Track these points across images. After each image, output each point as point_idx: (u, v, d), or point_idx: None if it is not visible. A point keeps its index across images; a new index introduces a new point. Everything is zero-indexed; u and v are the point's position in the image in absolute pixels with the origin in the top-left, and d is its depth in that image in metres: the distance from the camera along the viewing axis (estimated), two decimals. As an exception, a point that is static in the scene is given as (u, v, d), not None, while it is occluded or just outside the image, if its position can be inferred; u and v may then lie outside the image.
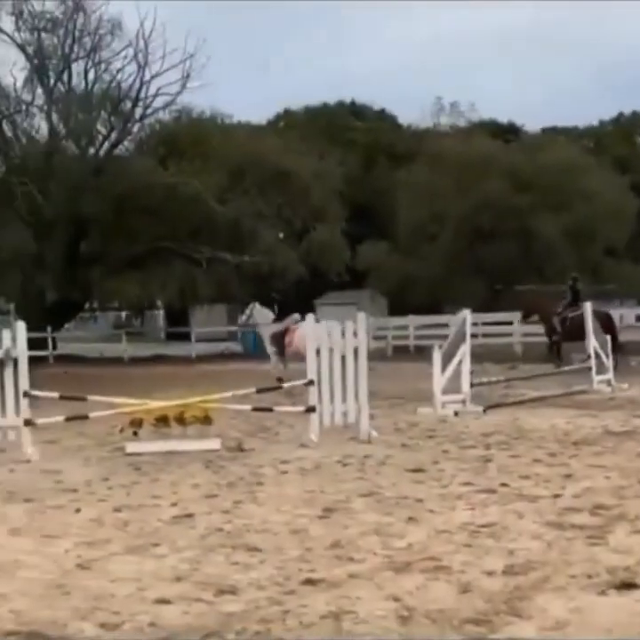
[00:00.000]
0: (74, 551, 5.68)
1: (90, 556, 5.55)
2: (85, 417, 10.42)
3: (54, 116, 32.16)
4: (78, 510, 6.88)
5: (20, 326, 9.83)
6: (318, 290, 40.42)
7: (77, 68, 32.47)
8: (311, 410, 10.34)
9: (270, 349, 15.41)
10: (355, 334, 10.56)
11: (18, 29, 31.54)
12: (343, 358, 10.51)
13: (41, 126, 33.43)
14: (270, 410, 11.59)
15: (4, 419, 9.61)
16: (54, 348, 31.81)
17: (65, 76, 32.39)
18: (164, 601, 4.65)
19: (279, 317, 15.95)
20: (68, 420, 10.50)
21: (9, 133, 32.35)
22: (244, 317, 17.67)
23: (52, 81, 32.17)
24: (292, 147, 34.63)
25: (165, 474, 8.51)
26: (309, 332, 12.43)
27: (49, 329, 30.46)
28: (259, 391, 11.87)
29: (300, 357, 12.78)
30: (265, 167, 32.20)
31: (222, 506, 6.97)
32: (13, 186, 29.54)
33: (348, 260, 35.55)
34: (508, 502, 6.80)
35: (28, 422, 9.59)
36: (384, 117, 56.16)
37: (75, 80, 32.65)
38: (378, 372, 13.73)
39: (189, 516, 6.62)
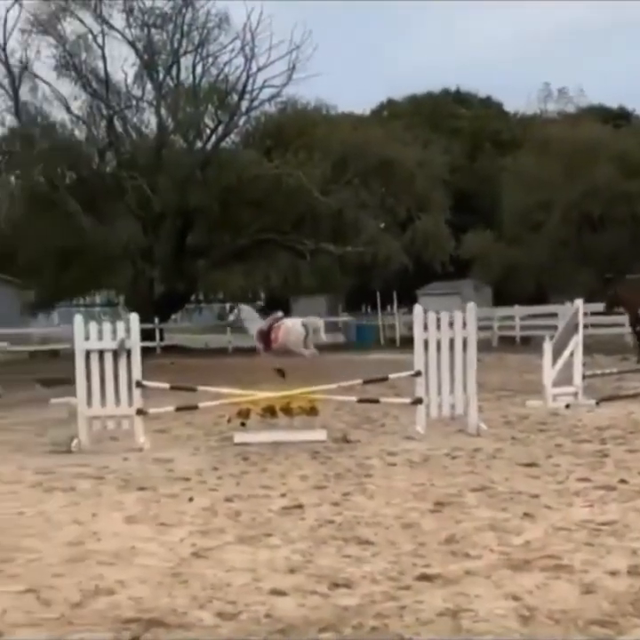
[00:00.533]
0: (189, 540, 5.75)
1: (204, 545, 5.60)
2: (195, 407, 10.58)
3: (163, 111, 32.84)
4: (191, 499, 6.96)
5: (134, 318, 10.04)
6: (421, 280, 40.03)
7: (186, 62, 33.11)
8: (418, 401, 10.21)
9: (258, 345, 15.32)
10: (464, 324, 10.36)
11: (129, 26, 32.34)
12: (451, 349, 10.32)
13: (150, 121, 34.26)
14: (376, 401, 11.51)
15: (117, 408, 9.84)
16: (162, 339, 32.51)
17: (173, 71, 33.05)
18: (279, 592, 4.65)
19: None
20: (179, 409, 10.70)
21: (119, 129, 33.21)
22: (231, 317, 17.22)
23: (161, 76, 32.86)
24: (395, 136, 34.36)
25: (273, 464, 8.55)
26: (294, 326, 13.77)
27: (156, 320, 31.16)
28: (365, 382, 11.79)
29: (287, 352, 13.61)
30: (368, 157, 32.08)
31: (331, 497, 6.94)
32: (124, 180, 30.35)
33: (451, 249, 35.11)
34: (628, 499, 6.53)
35: (140, 412, 9.80)
36: (489, 105, 55.20)
37: (183, 74, 33.32)
38: (483, 363, 13.46)
39: (299, 506, 6.62)
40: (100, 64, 32.06)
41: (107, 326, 10.00)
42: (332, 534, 5.80)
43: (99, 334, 9.92)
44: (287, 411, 10.04)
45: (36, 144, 31.13)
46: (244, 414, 10.10)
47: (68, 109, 32.62)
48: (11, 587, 4.84)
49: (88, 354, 9.83)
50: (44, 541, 5.80)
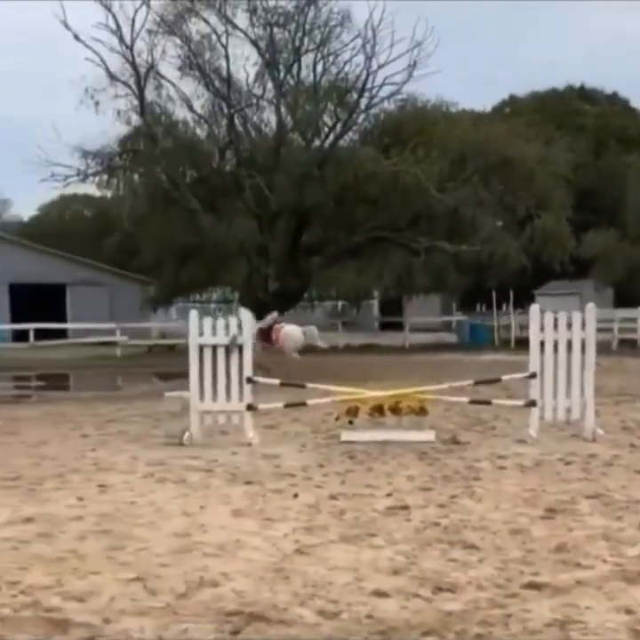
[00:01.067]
0: (292, 536, 5.76)
1: (308, 542, 5.60)
2: (303, 404, 10.63)
3: (282, 109, 33.15)
4: (296, 495, 6.99)
5: (246, 315, 10.17)
6: (538, 279, 39.10)
7: (306, 60, 33.26)
8: (532, 404, 9.94)
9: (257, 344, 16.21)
10: (582, 326, 10.00)
11: (252, 25, 32.73)
12: (568, 351, 9.99)
13: (270, 120, 34.59)
14: (488, 403, 11.26)
15: (228, 403, 9.99)
16: (274, 335, 32.85)
17: (294, 70, 33.28)
18: (381, 593, 4.59)
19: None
20: (287, 406, 10.77)
21: (240, 127, 33.71)
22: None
23: (281, 74, 33.15)
24: (517, 133, 33.63)
25: (380, 463, 8.49)
26: (294, 332, 13.52)
27: (269, 318, 31.48)
28: (476, 383, 11.58)
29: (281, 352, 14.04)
30: (488, 154, 31.49)
31: (438, 499, 6.83)
32: (242, 178, 30.81)
33: (572, 248, 34.08)
34: None
35: (250, 407, 9.91)
36: (615, 101, 53.56)
37: (303, 73, 33.48)
38: (602, 366, 12.99)
39: (405, 508, 6.54)
40: (223, 63, 32.60)
41: (220, 322, 10.16)
42: (437, 537, 5.70)
43: (212, 330, 10.09)
44: (396, 410, 9.96)
45: (159, 143, 32.01)
46: (352, 412, 10.07)
47: (191, 108, 33.33)
48: (120, 574, 4.97)
49: (202, 349, 10.01)
50: (153, 531, 5.93)
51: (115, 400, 14.91)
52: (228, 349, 9.99)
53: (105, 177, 34.23)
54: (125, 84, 31.68)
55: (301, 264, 32.16)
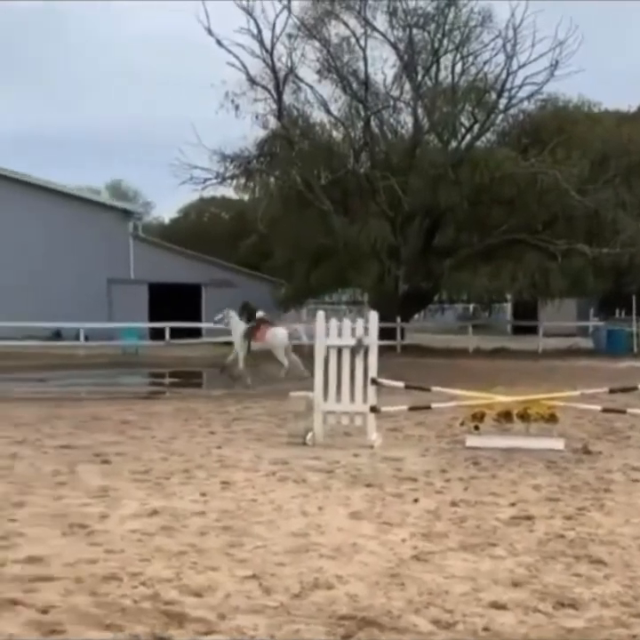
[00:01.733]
0: (410, 541, 5.68)
1: (426, 549, 5.50)
2: (428, 407, 10.48)
3: (419, 111, 33.02)
4: (416, 500, 6.89)
5: (373, 316, 10.13)
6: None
7: (445, 61, 33.06)
8: (670, 415, 9.45)
9: (240, 344, 18.55)
10: None
11: (391, 27, 32.79)
12: None
13: (406, 121, 34.58)
14: (623, 411, 10.79)
15: (352, 404, 9.97)
16: (402, 337, 32.76)
17: (432, 71, 33.12)
18: (499, 606, 4.46)
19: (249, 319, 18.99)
20: (412, 409, 10.66)
21: (376, 129, 33.83)
22: (218, 317, 20.23)
23: (419, 76, 33.05)
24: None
25: (505, 471, 8.27)
26: (280, 332, 17.75)
27: (398, 319, 31.44)
28: (611, 391, 11.12)
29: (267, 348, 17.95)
30: (632, 155, 30.36)
31: (565, 511, 6.58)
32: (376, 180, 30.88)
33: None
34: None
35: (373, 409, 9.86)
36: None
37: (442, 74, 33.30)
38: None
39: (529, 518, 6.33)
40: (361, 66, 32.82)
41: (346, 323, 10.16)
42: (561, 550, 5.49)
43: (338, 331, 10.10)
44: (524, 416, 9.69)
45: (295, 145, 32.50)
46: (478, 417, 9.86)
47: (328, 111, 33.71)
48: (237, 571, 5.02)
49: (328, 350, 10.04)
50: (271, 530, 5.97)
51: (242, 398, 15.18)
52: (353, 351, 9.98)
53: (242, 180, 35.09)
54: (264, 87, 32.38)
55: (433, 266, 31.88)
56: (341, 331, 10.07)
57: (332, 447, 9.61)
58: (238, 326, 19.00)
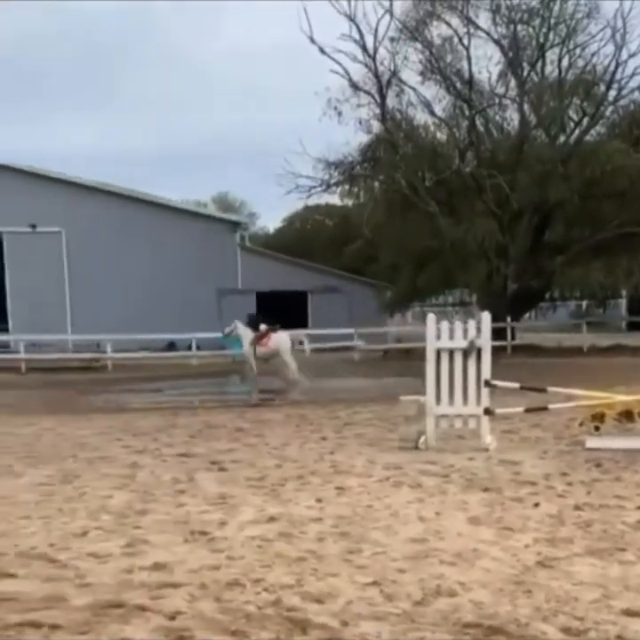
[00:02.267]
0: (534, 547, 5.53)
1: (551, 555, 5.35)
2: (544, 408, 10.22)
3: (525, 107, 32.46)
4: (537, 504, 6.71)
5: (485, 317, 9.95)
6: None
7: (551, 55, 32.37)
8: None
9: (248, 350, 21.04)
10: None
11: (494, 24, 32.36)
12: None
13: (512, 118, 34.04)
14: None
15: (465, 407, 9.82)
16: (513, 337, 32.14)
17: (538, 66, 32.52)
18: (632, 613, 4.30)
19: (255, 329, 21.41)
20: (528, 411, 10.41)
21: (481, 128, 33.43)
22: (227, 330, 22.21)
23: (525, 72, 32.49)
24: None
25: (630, 473, 7.98)
26: (283, 337, 20.33)
27: (508, 319, 30.88)
28: None
29: (271, 355, 20.57)
30: None
31: (695, 514, 6.28)
32: (482, 179, 30.48)
33: None
34: None
35: (487, 411, 9.69)
36: None
37: (548, 68, 32.62)
38: None
39: (658, 522, 6.07)
40: (465, 65, 32.49)
41: (458, 325, 10.02)
42: (694, 555, 5.24)
43: (450, 333, 9.97)
44: (647, 416, 9.33)
45: (399, 148, 32.44)
46: (598, 418, 9.54)
47: (432, 112, 33.50)
48: (357, 577, 4.99)
49: (438, 353, 9.92)
50: (389, 535, 5.92)
51: (352, 403, 15.17)
52: (465, 353, 9.83)
53: (346, 186, 35.21)
54: (367, 92, 32.46)
55: (543, 263, 31.18)
56: (453, 332, 9.93)
57: (446, 451, 9.48)
58: (246, 335, 21.37)
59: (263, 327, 21.25)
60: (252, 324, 21.60)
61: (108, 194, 34.36)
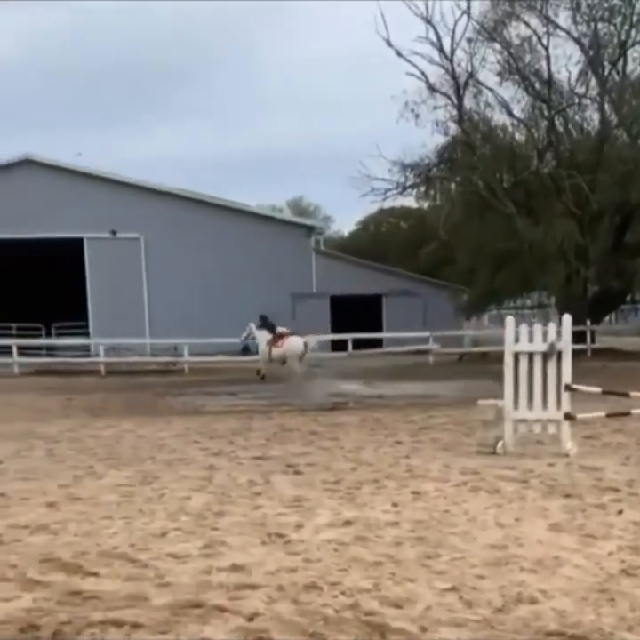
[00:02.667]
0: (617, 555, 5.39)
1: (635, 563, 5.22)
2: (627, 414, 9.96)
3: (606, 106, 31.84)
4: (621, 512, 6.54)
5: (566, 320, 9.76)
6: None
7: (633, 54, 31.68)
8: None
9: (263, 350, 21.94)
10: None
11: (574, 23, 31.84)
12: None
13: (592, 118, 33.43)
14: None
15: (544, 412, 9.64)
16: (593, 341, 31.48)
17: (619, 64, 31.87)
18: None
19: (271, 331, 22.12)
20: (609, 416, 10.16)
21: (560, 128, 32.92)
22: (244, 335, 23.18)
23: (606, 70, 31.88)
24: None
25: None
26: (297, 341, 21.30)
27: (588, 322, 30.28)
28: None
29: (285, 357, 21.39)
30: None
31: None
32: (561, 179, 29.98)
33: None
34: None
35: (568, 416, 9.49)
36: None
37: (629, 67, 31.96)
38: None
39: None
40: (544, 65, 32.03)
41: (537, 328, 9.85)
42: None
43: (529, 336, 9.80)
44: None
45: (476, 150, 32.16)
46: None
47: (510, 113, 33.15)
48: (436, 583, 4.94)
49: (517, 356, 9.77)
50: (467, 541, 5.84)
51: (427, 407, 15.06)
52: (545, 356, 9.65)
53: (422, 188, 35.05)
54: (444, 94, 32.30)
55: (624, 264, 30.45)
56: (532, 335, 9.76)
57: (525, 456, 9.32)
58: (262, 337, 22.19)
59: (281, 329, 22.09)
60: (267, 325, 22.33)
61: (185, 199, 34.90)
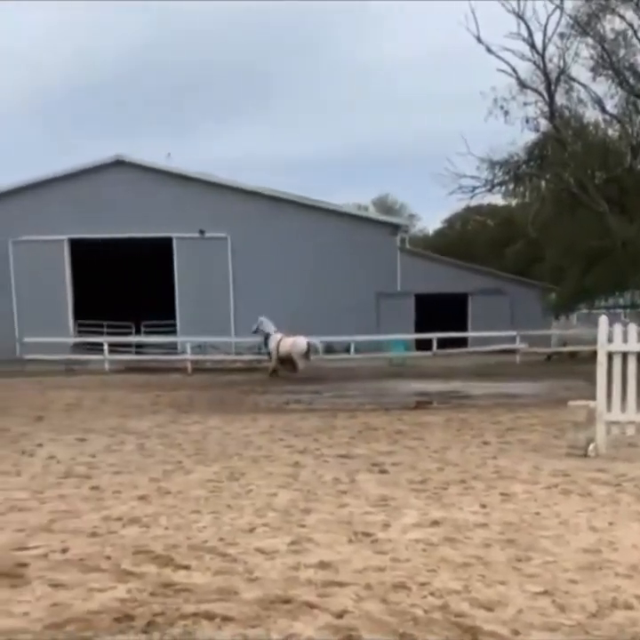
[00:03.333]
0: None
1: None
2: None
3: None
4: None
5: (649, 322, 9.47)
6: None
7: None
8: None
9: (273, 347, 23.59)
10: None
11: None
12: None
13: None
14: None
15: (639, 414, 9.37)
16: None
17: None
18: None
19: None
20: None
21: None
22: (254, 326, 24.71)
23: None
24: None
25: None
26: (300, 341, 23.17)
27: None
28: None
29: (289, 359, 23.38)
30: None
31: None
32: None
33: None
34: None
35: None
36: None
37: None
38: None
39: None
40: (639, 59, 31.34)
41: (632, 327, 9.57)
42: None
43: (623, 336, 9.54)
44: None
45: (568, 146, 31.55)
46: None
47: (603, 109, 32.43)
48: (527, 586, 4.86)
49: (610, 356, 9.52)
50: (559, 545, 5.72)
51: (514, 408, 14.82)
52: (624, 357, 9.38)
53: (511, 186, 34.54)
54: (535, 90, 31.78)
55: None
56: (627, 335, 9.48)
57: (617, 459, 9.09)
58: (271, 330, 24.05)
59: (276, 334, 23.86)
60: (262, 330, 24.24)
61: (271, 199, 35.20)
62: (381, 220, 39.39)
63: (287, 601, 4.61)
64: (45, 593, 4.82)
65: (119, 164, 34.42)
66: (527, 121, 32.22)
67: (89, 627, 4.27)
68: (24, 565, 5.35)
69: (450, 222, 60.38)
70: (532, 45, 31.03)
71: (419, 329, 34.24)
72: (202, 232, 34.50)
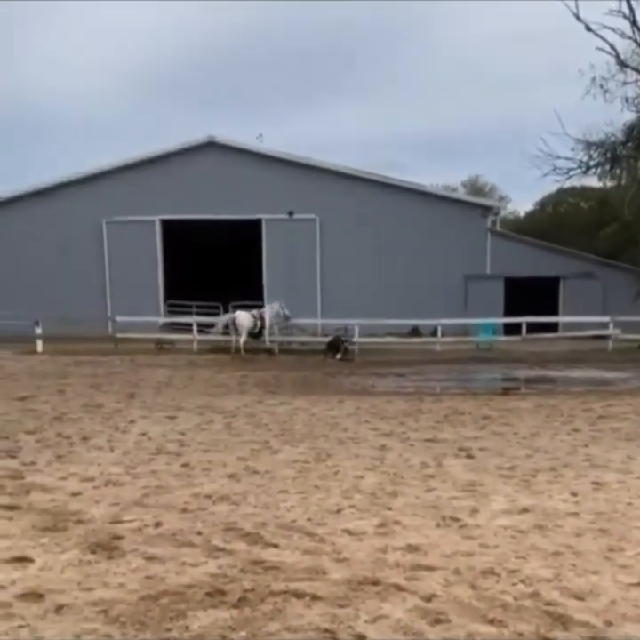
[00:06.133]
0: None
1: None
2: None
3: None
4: None
5: None
6: None
7: None
8: None
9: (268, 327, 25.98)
10: None
11: None
12: None
13: None
14: None
15: None
16: None
17: None
18: None
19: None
20: None
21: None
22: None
23: None
24: None
25: None
26: (245, 316, 25.35)
27: None
28: None
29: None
30: None
31: None
32: None
33: None
34: None
35: None
36: None
37: None
38: None
39: None
40: None
41: None
42: None
43: None
44: None
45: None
46: None
47: None
48: (620, 577, 4.78)
49: None
50: (654, 536, 5.59)
51: (606, 395, 14.48)
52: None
53: (607, 167, 33.60)
54: (635, 69, 30.79)
55: None
56: None
57: None
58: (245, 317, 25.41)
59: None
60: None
61: (360, 180, 35.07)
62: (471, 201, 38.81)
63: (375, 582, 4.63)
64: (140, 565, 4.96)
65: (211, 145, 34.80)
66: (626, 100, 31.27)
67: (182, 600, 4.38)
68: (120, 538, 5.51)
69: (541, 204, 59.09)
70: (634, 23, 30.00)
71: (508, 313, 33.69)
72: (290, 213, 34.66)
